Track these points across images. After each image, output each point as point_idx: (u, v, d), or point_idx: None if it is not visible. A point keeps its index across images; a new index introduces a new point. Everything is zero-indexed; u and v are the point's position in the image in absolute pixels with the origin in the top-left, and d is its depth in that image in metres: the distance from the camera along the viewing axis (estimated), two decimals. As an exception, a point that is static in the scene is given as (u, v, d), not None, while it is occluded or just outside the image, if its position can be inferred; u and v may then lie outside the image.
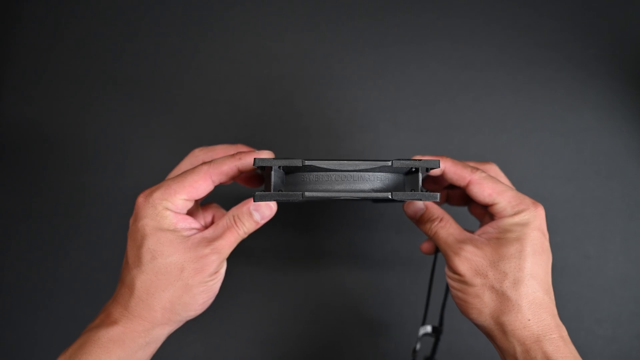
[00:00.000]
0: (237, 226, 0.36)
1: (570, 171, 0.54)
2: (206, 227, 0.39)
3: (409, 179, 0.35)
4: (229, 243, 0.36)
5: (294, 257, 0.55)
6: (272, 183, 0.32)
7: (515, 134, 0.55)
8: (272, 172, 0.32)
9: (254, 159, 0.32)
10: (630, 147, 0.54)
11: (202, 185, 0.35)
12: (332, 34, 0.58)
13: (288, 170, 0.34)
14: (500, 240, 0.36)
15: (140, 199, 0.35)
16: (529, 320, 0.34)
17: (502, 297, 0.34)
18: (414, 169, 0.34)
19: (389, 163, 0.32)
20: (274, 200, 0.32)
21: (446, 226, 0.38)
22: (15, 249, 0.55)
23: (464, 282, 0.36)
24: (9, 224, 0.56)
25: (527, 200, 0.36)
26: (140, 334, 0.35)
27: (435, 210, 0.39)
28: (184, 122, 0.57)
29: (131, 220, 0.36)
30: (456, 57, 0.57)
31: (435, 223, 0.38)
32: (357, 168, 0.33)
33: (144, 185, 0.39)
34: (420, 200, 0.33)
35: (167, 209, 0.35)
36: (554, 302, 0.35)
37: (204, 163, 0.36)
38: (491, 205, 0.37)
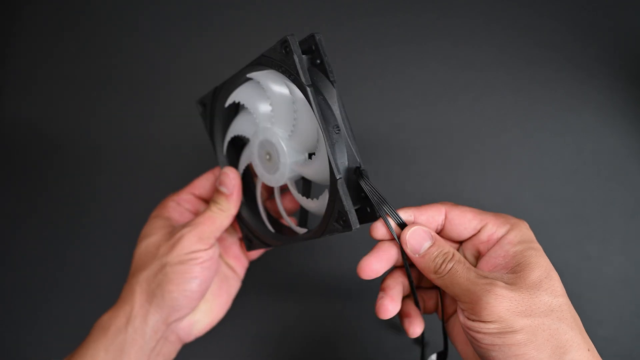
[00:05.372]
0: (210, 209, 0.38)
1: (570, 171, 0.54)
2: None
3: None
4: (208, 223, 0.38)
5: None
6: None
7: (515, 134, 0.55)
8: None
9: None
10: (631, 147, 0.54)
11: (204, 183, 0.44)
12: (332, 34, 0.58)
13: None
14: (520, 268, 0.30)
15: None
16: (589, 350, 0.29)
17: (557, 333, 0.28)
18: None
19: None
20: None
21: (462, 260, 0.30)
22: (15, 249, 0.55)
23: (506, 329, 0.27)
24: (9, 224, 0.56)
25: (509, 216, 0.32)
26: (121, 318, 0.36)
27: (444, 243, 0.31)
28: (184, 122, 0.57)
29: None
30: (456, 57, 0.57)
31: (453, 260, 0.30)
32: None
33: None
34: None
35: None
36: None
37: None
38: (479, 230, 0.32)
